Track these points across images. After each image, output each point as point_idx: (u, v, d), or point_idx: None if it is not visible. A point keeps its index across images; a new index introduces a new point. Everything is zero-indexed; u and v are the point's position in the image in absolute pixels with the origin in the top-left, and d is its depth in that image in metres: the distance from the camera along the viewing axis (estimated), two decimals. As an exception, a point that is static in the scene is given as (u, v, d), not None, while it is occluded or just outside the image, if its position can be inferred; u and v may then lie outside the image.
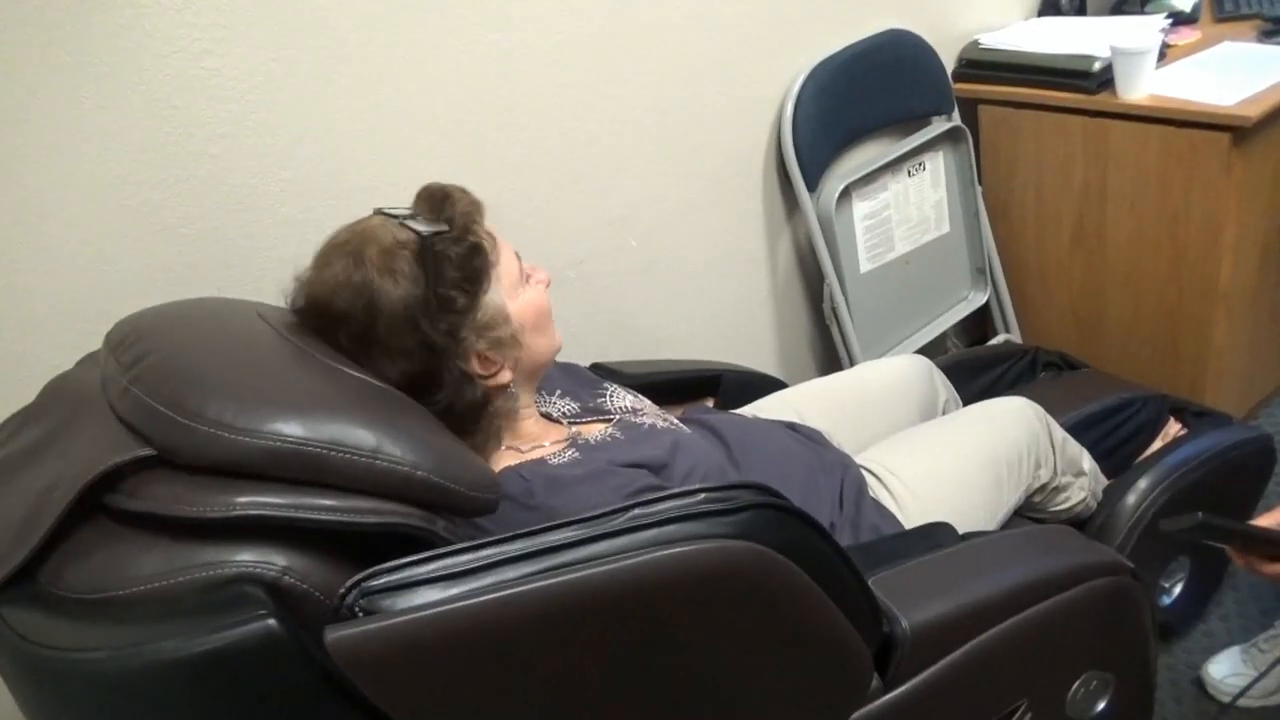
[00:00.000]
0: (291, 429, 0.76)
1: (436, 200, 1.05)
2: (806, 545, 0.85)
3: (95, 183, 1.15)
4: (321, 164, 1.31)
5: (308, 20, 1.25)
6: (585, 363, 1.47)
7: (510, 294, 1.07)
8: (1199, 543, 1.44)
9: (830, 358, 2.02)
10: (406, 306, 0.98)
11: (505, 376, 1.07)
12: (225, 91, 1.21)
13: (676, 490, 0.81)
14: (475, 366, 1.04)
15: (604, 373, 1.44)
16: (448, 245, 1.01)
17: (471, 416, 1.04)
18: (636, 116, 1.62)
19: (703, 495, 0.80)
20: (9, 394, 0.98)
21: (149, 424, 0.78)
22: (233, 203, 1.26)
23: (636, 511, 0.79)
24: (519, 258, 1.11)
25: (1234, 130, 1.66)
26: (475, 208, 1.07)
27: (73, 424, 0.82)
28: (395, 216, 1.03)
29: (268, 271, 1.29)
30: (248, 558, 0.73)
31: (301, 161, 1.30)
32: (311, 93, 1.28)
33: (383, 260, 0.98)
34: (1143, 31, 1.82)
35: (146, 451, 0.76)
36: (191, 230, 1.23)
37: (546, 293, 1.13)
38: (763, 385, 1.57)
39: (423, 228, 1.00)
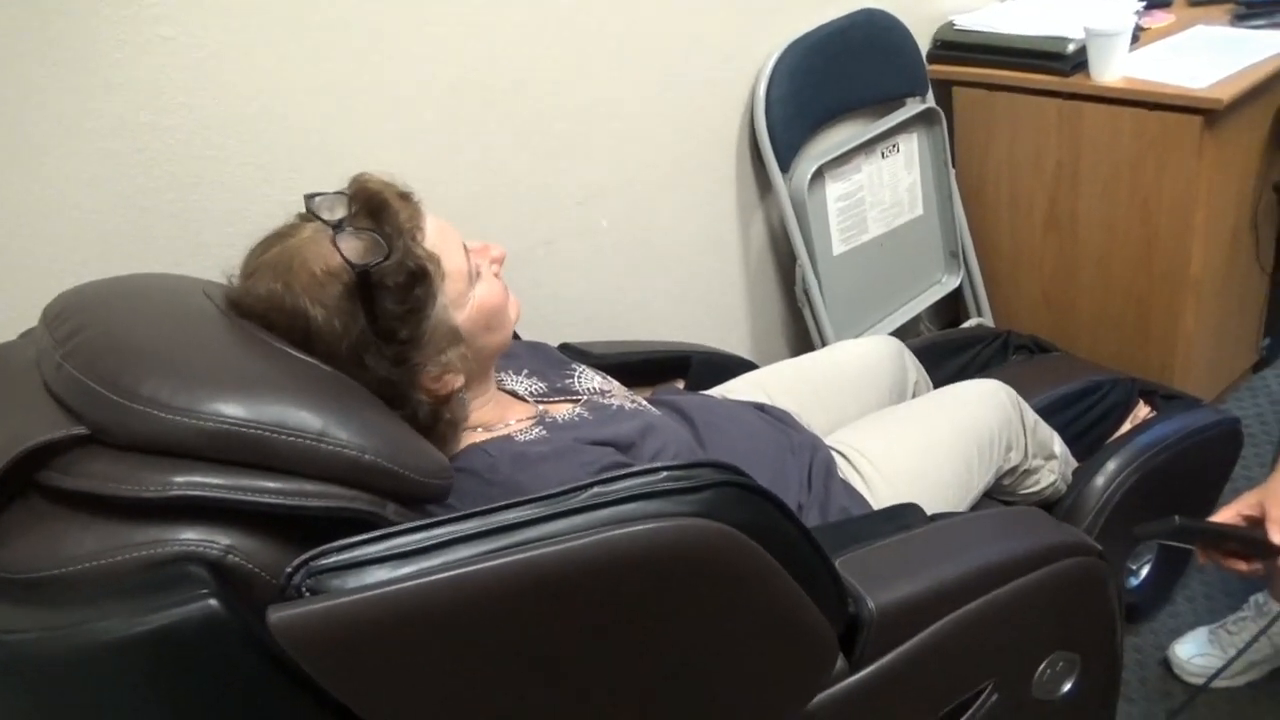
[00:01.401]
0: (232, 410, 0.74)
1: (373, 207, 0.95)
2: (770, 524, 0.83)
3: (43, 155, 1.11)
4: (281, 137, 1.28)
5: (266, -11, 1.22)
6: (554, 342, 1.45)
7: (457, 303, 1.00)
8: (1170, 545, 1.44)
9: (803, 340, 2.01)
10: (346, 345, 0.91)
11: (456, 383, 1.01)
12: (180, 60, 1.18)
13: (637, 468, 0.79)
14: (426, 384, 0.98)
15: (572, 353, 1.41)
16: (385, 275, 0.92)
17: (425, 427, 0.99)
18: (608, 95, 1.59)
19: (664, 473, 0.78)
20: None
21: (82, 401, 0.75)
22: (189, 175, 1.22)
23: (596, 489, 0.77)
24: (466, 248, 1.03)
25: (1206, 113, 1.65)
26: (416, 218, 0.97)
27: (3, 400, 0.79)
28: (327, 223, 0.93)
29: (223, 245, 1.25)
30: (190, 536, 0.70)
31: (260, 134, 1.26)
32: (273, 65, 1.24)
33: (314, 289, 0.91)
34: (1116, 14, 1.81)
35: (80, 430, 0.73)
36: (146, 203, 1.20)
37: (498, 279, 1.07)
38: (733, 367, 1.55)
39: (355, 256, 0.91)
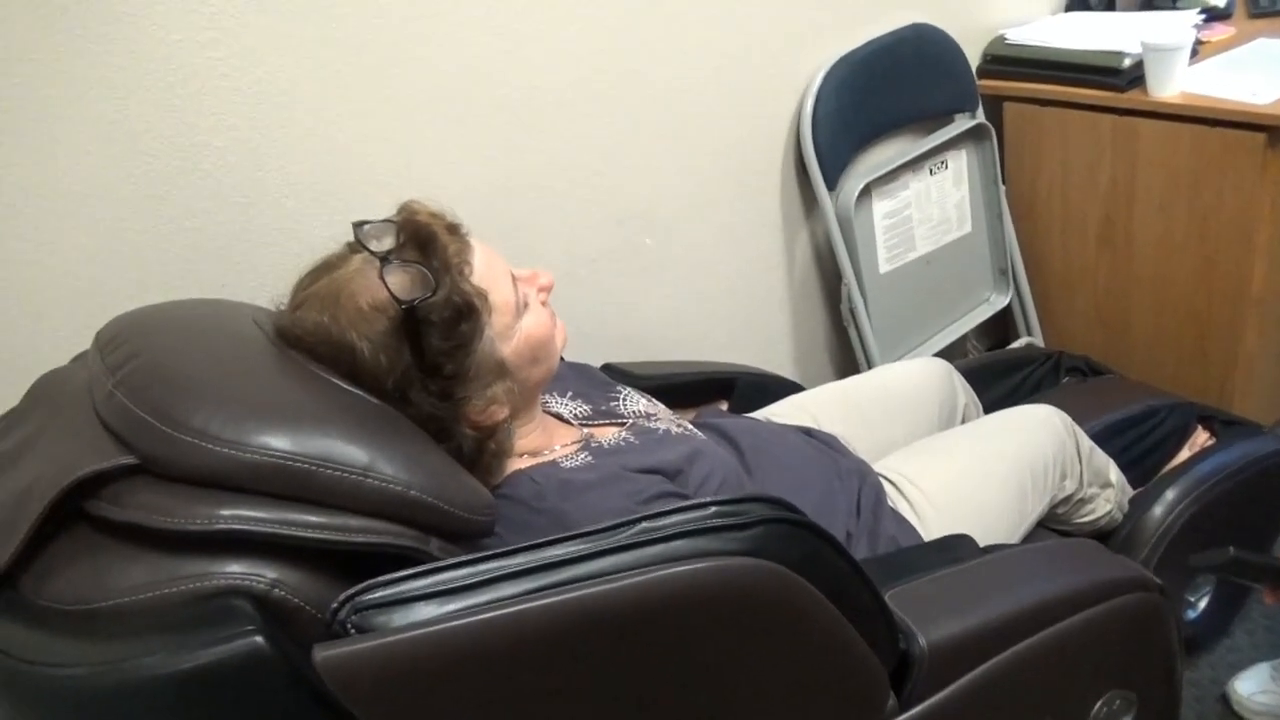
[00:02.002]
0: (279, 443, 0.73)
1: (421, 240, 0.94)
2: (821, 562, 0.81)
3: (96, 175, 1.13)
4: (328, 159, 1.28)
5: (316, 11, 1.22)
6: (597, 363, 1.44)
7: (504, 336, 0.99)
8: (1228, 579, 1.40)
9: (847, 360, 1.98)
10: (391, 379, 0.90)
11: (501, 414, 1.00)
12: (230, 82, 1.19)
13: (686, 504, 0.78)
14: (471, 417, 0.97)
15: (616, 374, 1.40)
16: (433, 311, 0.91)
17: (470, 460, 0.97)
18: (652, 113, 1.58)
19: (713, 509, 0.77)
20: (6, 393, 0.95)
21: (132, 430, 0.75)
22: (238, 196, 1.23)
23: (644, 525, 0.76)
24: (513, 276, 1.02)
25: (1270, 130, 1.60)
26: (464, 251, 0.96)
27: (56, 425, 0.79)
28: (374, 254, 0.92)
29: (271, 267, 1.26)
30: (237, 570, 0.70)
31: (307, 155, 1.27)
32: (320, 85, 1.25)
33: (360, 323, 0.90)
34: (1175, 28, 1.77)
35: (128, 460, 0.73)
36: (193, 224, 1.21)
37: (546, 308, 1.05)
38: (778, 388, 1.53)
39: (402, 291, 0.90)
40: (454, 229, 0.98)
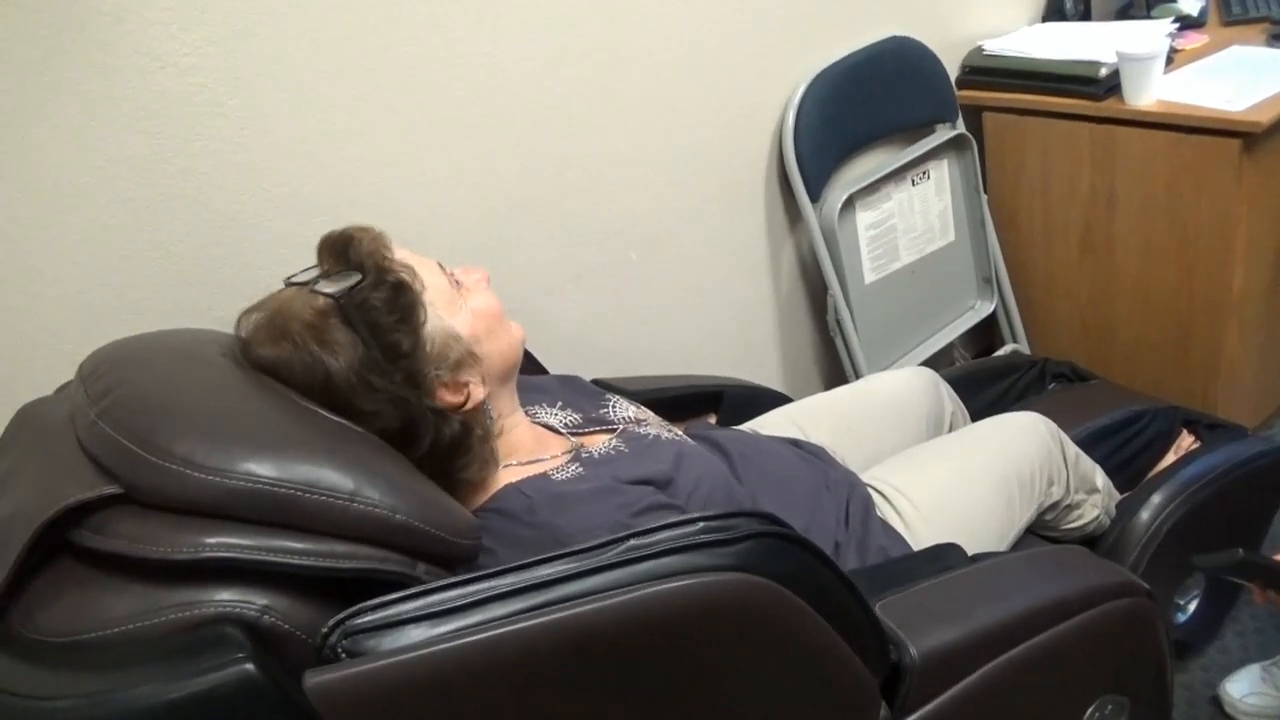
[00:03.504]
0: (264, 469, 0.74)
1: (339, 248, 0.99)
2: (810, 575, 0.82)
3: (80, 202, 1.13)
4: (311, 179, 1.29)
5: (297, 36, 1.22)
6: (585, 378, 1.44)
7: (449, 312, 1.02)
8: (1226, 580, 1.41)
9: (835, 370, 1.99)
10: (357, 373, 0.93)
11: (479, 393, 1.02)
12: (213, 108, 1.19)
13: (674, 520, 0.78)
14: (446, 397, 1.00)
15: (603, 388, 1.40)
16: (368, 293, 0.96)
17: (459, 449, 0.99)
18: (635, 128, 1.59)
19: (701, 524, 0.77)
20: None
21: (115, 459, 0.75)
22: (222, 220, 1.23)
23: (633, 543, 0.76)
24: (443, 267, 1.06)
25: (1244, 136, 1.62)
26: (380, 241, 1.01)
27: (39, 456, 0.79)
28: (304, 283, 0.98)
29: (259, 290, 1.25)
30: (226, 597, 0.70)
31: (291, 177, 1.27)
32: (302, 108, 1.25)
33: (313, 335, 0.93)
34: (1149, 36, 1.79)
35: (112, 489, 0.73)
36: (180, 249, 1.21)
37: (488, 290, 1.09)
38: (765, 400, 1.54)
39: (333, 288, 0.95)
40: (365, 228, 1.02)
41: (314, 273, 1.00)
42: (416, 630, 0.69)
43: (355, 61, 1.28)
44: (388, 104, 1.33)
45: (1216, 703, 1.53)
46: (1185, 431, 1.61)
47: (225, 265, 1.25)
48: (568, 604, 0.70)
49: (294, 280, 1.00)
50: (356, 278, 0.96)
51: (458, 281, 1.07)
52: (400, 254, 1.02)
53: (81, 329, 1.15)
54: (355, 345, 0.94)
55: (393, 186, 1.36)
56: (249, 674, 0.65)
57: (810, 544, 0.82)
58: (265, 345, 0.94)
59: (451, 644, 0.67)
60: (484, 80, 1.40)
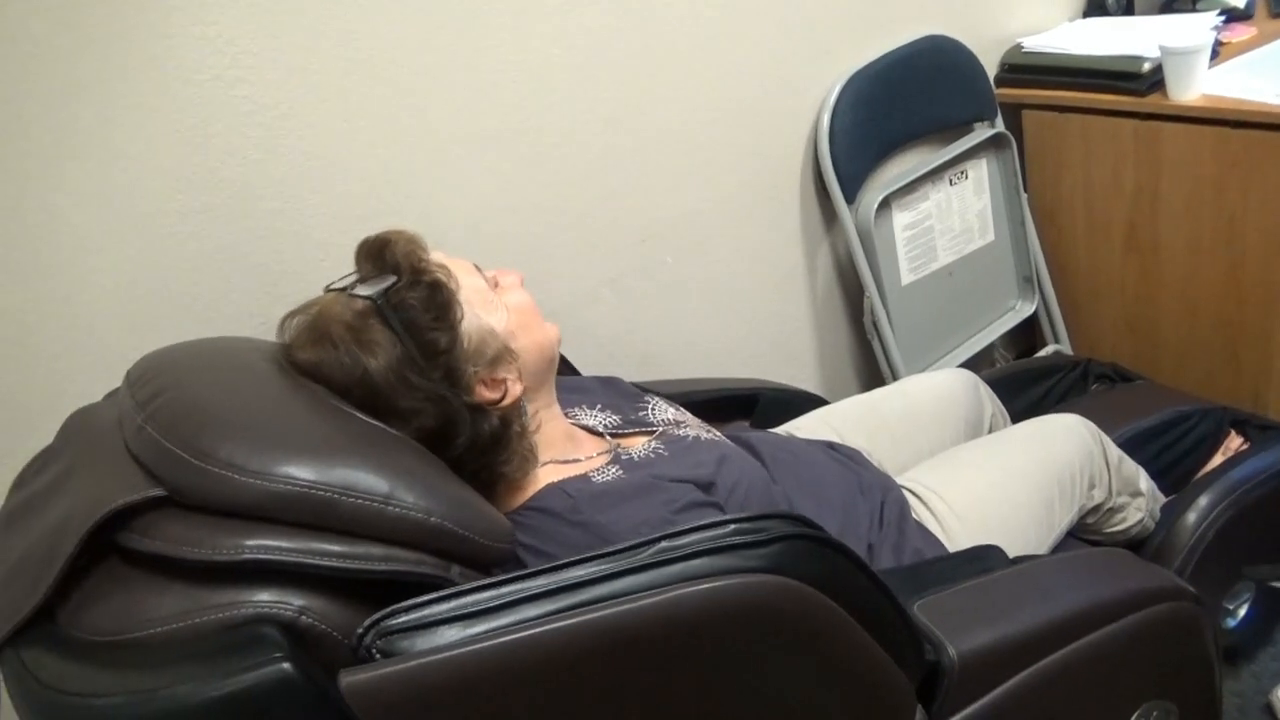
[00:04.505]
0: (302, 473, 0.75)
1: (375, 252, 1.02)
2: (842, 577, 0.81)
3: (128, 213, 1.16)
4: (352, 186, 1.31)
5: (334, 43, 1.25)
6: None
7: (485, 310, 1.04)
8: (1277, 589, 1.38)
9: (872, 373, 1.98)
10: (395, 371, 0.95)
11: (516, 389, 1.04)
12: (256, 118, 1.21)
13: (705, 521, 0.78)
14: (483, 393, 1.01)
15: (643, 390, 1.41)
16: (404, 294, 0.98)
17: (499, 446, 1.01)
18: (669, 131, 1.59)
19: (732, 526, 0.77)
20: (44, 428, 0.98)
21: (161, 463, 0.77)
22: (265, 229, 1.26)
23: (664, 544, 0.76)
24: (479, 268, 1.08)
25: (1293, 130, 1.59)
26: (415, 243, 1.03)
27: (88, 461, 0.81)
28: (343, 289, 1.00)
29: (300, 297, 1.27)
30: (265, 597, 0.72)
31: (333, 184, 1.29)
32: (341, 116, 1.28)
33: (353, 335, 0.95)
34: (1194, 30, 1.75)
35: (157, 491, 0.75)
36: (224, 257, 1.24)
37: (522, 289, 1.10)
38: (800, 403, 1.53)
39: (370, 290, 0.97)
40: (400, 230, 1.04)
41: (353, 278, 1.02)
42: (450, 631, 0.70)
43: (392, 73, 1.30)
44: (425, 113, 1.34)
45: (1270, 710, 1.49)
46: (1234, 433, 1.58)
47: (268, 273, 1.27)
48: (599, 605, 0.71)
49: (333, 287, 1.02)
50: (393, 279, 0.98)
51: (495, 282, 1.08)
52: (436, 255, 1.04)
53: (127, 339, 1.18)
54: (394, 344, 0.95)
55: (431, 194, 1.38)
56: (286, 673, 0.67)
57: (842, 546, 0.82)
58: (306, 348, 0.96)
59: (484, 645, 0.68)
60: (519, 87, 1.42)
